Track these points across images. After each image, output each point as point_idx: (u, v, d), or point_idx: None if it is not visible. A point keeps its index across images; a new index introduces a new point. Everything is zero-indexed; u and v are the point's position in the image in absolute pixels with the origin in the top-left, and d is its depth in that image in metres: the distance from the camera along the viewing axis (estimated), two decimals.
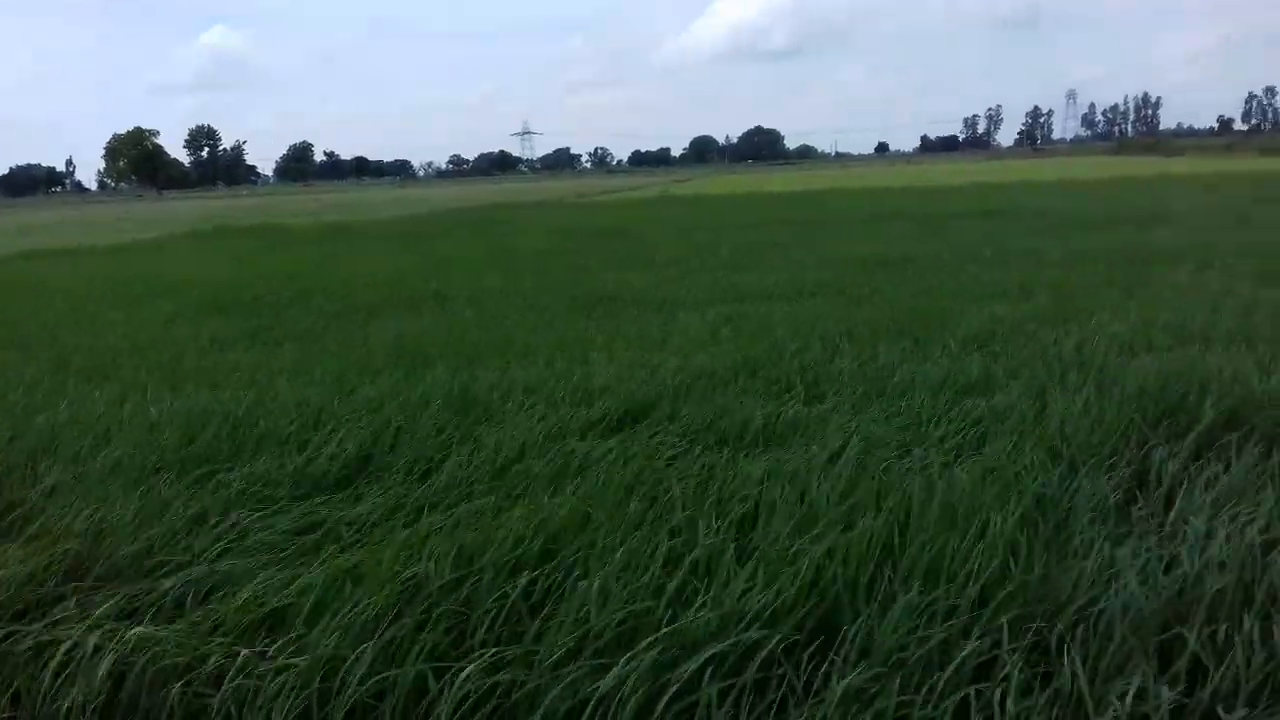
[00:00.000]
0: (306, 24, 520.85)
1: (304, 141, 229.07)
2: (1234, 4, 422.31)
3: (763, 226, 22.61)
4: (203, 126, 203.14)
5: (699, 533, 4.05)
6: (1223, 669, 3.07)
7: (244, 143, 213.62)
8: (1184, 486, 4.53)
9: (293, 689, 3.16)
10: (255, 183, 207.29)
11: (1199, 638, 3.20)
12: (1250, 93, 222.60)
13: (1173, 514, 4.25)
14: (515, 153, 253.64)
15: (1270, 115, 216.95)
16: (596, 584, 3.56)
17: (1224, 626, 3.26)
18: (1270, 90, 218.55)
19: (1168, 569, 3.69)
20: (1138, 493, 4.61)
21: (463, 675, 3.12)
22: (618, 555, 3.82)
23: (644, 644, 3.20)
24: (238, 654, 3.31)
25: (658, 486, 4.69)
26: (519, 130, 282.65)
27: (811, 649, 3.28)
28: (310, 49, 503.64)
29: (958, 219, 22.17)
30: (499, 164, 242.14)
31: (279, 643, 3.40)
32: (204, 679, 3.29)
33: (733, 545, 3.93)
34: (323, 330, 10.34)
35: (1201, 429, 5.28)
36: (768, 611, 3.38)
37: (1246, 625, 3.24)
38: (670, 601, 3.50)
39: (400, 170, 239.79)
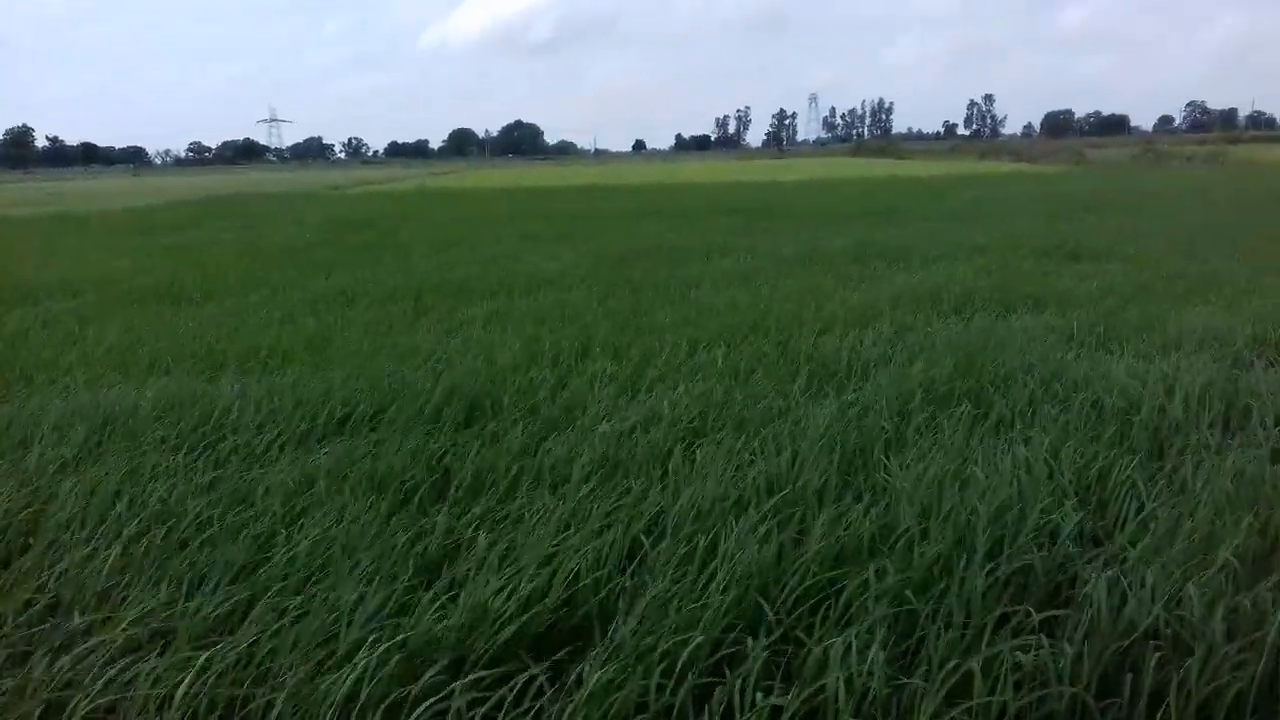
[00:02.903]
0: None
1: (23, 125, 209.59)
2: (957, 16, 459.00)
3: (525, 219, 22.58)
4: None
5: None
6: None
7: None
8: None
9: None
10: None
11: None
12: (971, 100, 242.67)
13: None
14: (262, 141, 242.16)
15: (989, 121, 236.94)
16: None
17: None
18: (989, 98, 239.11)
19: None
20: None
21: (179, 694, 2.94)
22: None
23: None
24: None
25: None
26: (266, 117, 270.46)
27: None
28: (30, 23, 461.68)
29: (714, 215, 22.92)
30: (244, 152, 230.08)
31: None
32: None
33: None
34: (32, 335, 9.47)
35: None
36: None
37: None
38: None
39: (134, 158, 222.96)
